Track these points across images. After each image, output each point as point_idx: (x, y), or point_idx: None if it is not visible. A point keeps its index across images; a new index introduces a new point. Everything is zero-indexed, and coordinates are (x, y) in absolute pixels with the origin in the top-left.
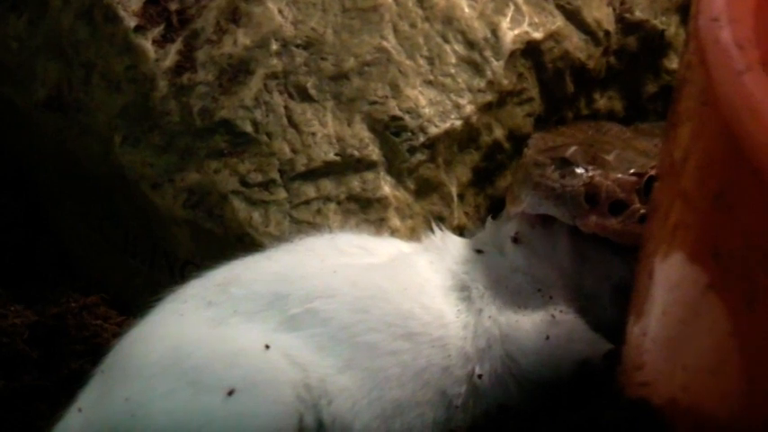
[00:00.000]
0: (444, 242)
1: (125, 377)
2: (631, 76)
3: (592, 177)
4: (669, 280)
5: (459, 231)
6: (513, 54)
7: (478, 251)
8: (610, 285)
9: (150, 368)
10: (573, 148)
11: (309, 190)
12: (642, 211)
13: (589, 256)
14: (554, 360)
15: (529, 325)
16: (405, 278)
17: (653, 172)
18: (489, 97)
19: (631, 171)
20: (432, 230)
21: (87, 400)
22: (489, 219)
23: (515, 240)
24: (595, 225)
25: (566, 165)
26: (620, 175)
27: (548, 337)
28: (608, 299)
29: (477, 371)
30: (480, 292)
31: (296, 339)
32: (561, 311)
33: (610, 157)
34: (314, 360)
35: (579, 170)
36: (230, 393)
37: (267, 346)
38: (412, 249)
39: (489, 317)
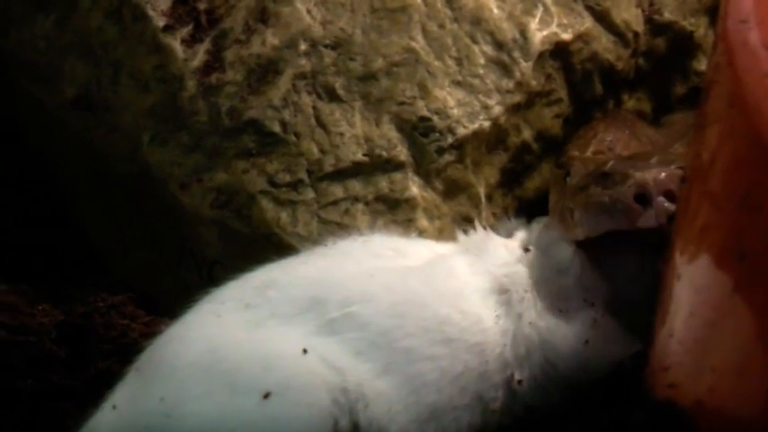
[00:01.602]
0: (485, 242)
1: (161, 377)
2: (660, 78)
3: (636, 178)
4: (696, 282)
5: None
6: (541, 55)
7: (526, 249)
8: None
9: (187, 369)
10: (612, 162)
11: (337, 190)
12: None
13: (646, 271)
14: (592, 363)
15: (568, 330)
16: (442, 282)
17: None
18: (518, 98)
19: (674, 166)
20: (470, 229)
21: (121, 398)
22: (536, 219)
23: (579, 245)
24: (657, 219)
25: (607, 177)
26: (664, 171)
27: (587, 342)
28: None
29: (517, 376)
30: (520, 296)
31: (333, 344)
32: (601, 314)
33: (652, 161)
34: (351, 364)
35: (619, 176)
36: (266, 396)
37: (305, 351)
38: (449, 250)
39: (530, 323)
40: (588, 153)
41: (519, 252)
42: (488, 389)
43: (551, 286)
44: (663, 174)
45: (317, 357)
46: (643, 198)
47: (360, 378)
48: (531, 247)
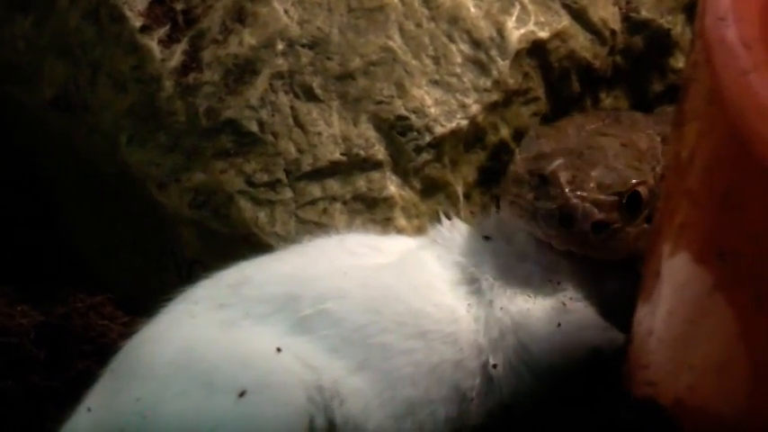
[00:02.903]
0: (452, 233)
1: (136, 377)
2: (637, 76)
3: (567, 200)
4: (676, 279)
5: None
6: (518, 53)
7: (486, 237)
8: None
9: (162, 369)
10: (556, 163)
11: (315, 190)
12: (629, 228)
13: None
14: (566, 347)
15: (540, 313)
16: (414, 276)
17: (637, 186)
18: (495, 97)
19: (611, 191)
20: (440, 221)
21: (97, 400)
22: (494, 208)
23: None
24: (567, 245)
25: (542, 184)
26: (599, 196)
27: (559, 325)
28: (615, 285)
29: (492, 361)
30: (490, 284)
31: (308, 341)
32: (571, 299)
33: (595, 173)
34: (326, 362)
35: (554, 191)
36: (242, 395)
37: (279, 349)
38: (419, 244)
39: (501, 308)
40: (554, 126)
41: (484, 240)
42: (465, 377)
43: (515, 273)
44: (595, 202)
45: (291, 356)
46: (567, 222)
47: (335, 375)
48: (490, 236)
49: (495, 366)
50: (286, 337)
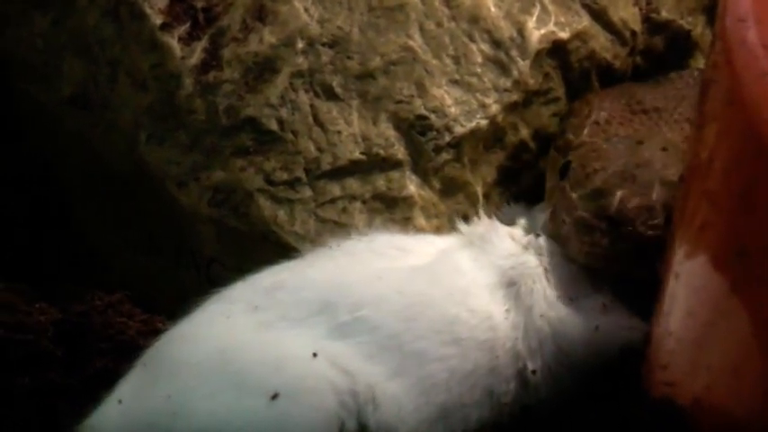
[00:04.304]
0: (488, 232)
1: (168, 374)
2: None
3: (642, 236)
4: (695, 281)
5: None
6: (539, 54)
7: (537, 235)
8: None
9: (195, 368)
10: (618, 197)
11: (335, 189)
12: None
13: None
14: (603, 349)
15: (579, 317)
16: (449, 281)
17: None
18: (515, 97)
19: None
20: (473, 218)
21: (128, 393)
22: (539, 205)
23: None
24: (642, 273)
25: (612, 226)
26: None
27: (597, 327)
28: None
29: (530, 367)
30: (529, 288)
31: (344, 347)
32: (610, 299)
33: (656, 196)
34: (362, 368)
35: (625, 230)
36: (273, 398)
37: (315, 354)
38: (452, 244)
39: (540, 315)
40: (584, 136)
41: (526, 239)
42: (499, 383)
43: (561, 273)
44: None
45: (325, 361)
46: (644, 253)
47: (370, 381)
48: (540, 233)
49: (533, 372)
50: (322, 341)
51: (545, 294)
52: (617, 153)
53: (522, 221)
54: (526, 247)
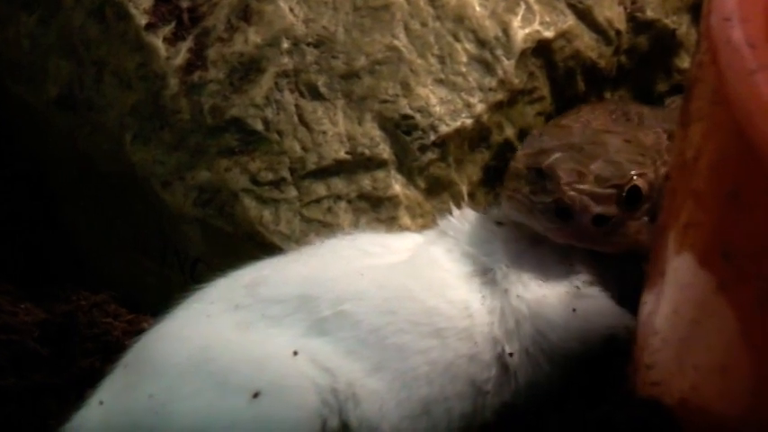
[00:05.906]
0: (461, 222)
1: (150, 374)
2: (642, 76)
3: (563, 193)
4: (680, 279)
5: None
6: (524, 53)
7: (498, 223)
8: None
9: (177, 367)
10: (554, 157)
11: (320, 188)
12: (629, 222)
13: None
14: (582, 333)
15: (555, 299)
16: (427, 273)
17: (637, 179)
18: (500, 96)
19: (609, 183)
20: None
21: (109, 394)
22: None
23: None
24: (566, 238)
25: (539, 178)
26: (597, 189)
27: (574, 310)
28: (627, 270)
29: (507, 350)
30: (504, 272)
31: (324, 344)
32: (585, 282)
33: (594, 166)
34: (342, 364)
35: (550, 185)
36: (255, 396)
37: (295, 353)
38: (428, 238)
39: (517, 296)
40: (558, 120)
41: (496, 226)
42: (480, 371)
43: (528, 258)
44: (592, 195)
45: (307, 358)
46: (564, 214)
47: (350, 377)
48: (503, 221)
49: (511, 355)
50: (302, 338)
51: (519, 277)
52: (580, 134)
53: (494, 210)
54: (495, 235)
